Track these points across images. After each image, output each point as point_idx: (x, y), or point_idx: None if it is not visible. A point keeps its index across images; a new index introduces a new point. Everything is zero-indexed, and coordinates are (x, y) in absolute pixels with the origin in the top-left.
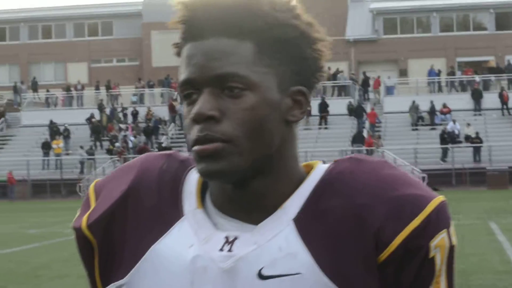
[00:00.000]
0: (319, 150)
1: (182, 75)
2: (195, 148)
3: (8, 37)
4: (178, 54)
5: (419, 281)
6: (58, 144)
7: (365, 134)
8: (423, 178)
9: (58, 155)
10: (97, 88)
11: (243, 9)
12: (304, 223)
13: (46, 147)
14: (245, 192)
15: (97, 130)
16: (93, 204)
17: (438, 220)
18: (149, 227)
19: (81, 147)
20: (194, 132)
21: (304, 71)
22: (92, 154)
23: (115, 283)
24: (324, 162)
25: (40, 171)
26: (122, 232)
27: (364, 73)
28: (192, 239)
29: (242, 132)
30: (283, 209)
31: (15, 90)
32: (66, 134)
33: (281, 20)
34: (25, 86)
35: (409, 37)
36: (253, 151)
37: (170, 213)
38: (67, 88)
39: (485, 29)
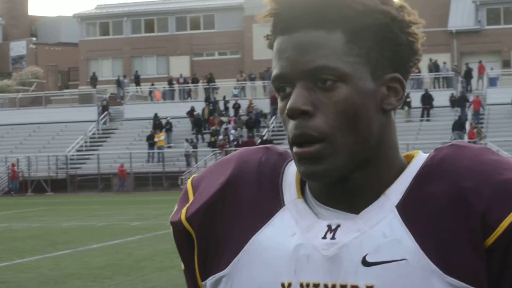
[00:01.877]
0: (420, 142)
1: (275, 70)
2: (295, 150)
3: (112, 31)
4: (271, 46)
5: None
6: (160, 137)
7: (467, 125)
8: None
9: (160, 148)
10: (196, 81)
11: None
12: (408, 210)
13: (150, 139)
14: (346, 184)
15: (199, 123)
16: (191, 198)
17: None
18: (249, 218)
19: (187, 140)
20: (291, 128)
21: (398, 57)
22: (195, 147)
23: (215, 274)
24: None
25: (143, 164)
26: (221, 224)
27: (466, 64)
28: (294, 228)
29: (337, 127)
30: (386, 196)
31: (118, 84)
32: (168, 127)
33: (370, 6)
34: (127, 80)
35: None
36: (351, 145)
37: (270, 204)
38: (170, 82)
39: None
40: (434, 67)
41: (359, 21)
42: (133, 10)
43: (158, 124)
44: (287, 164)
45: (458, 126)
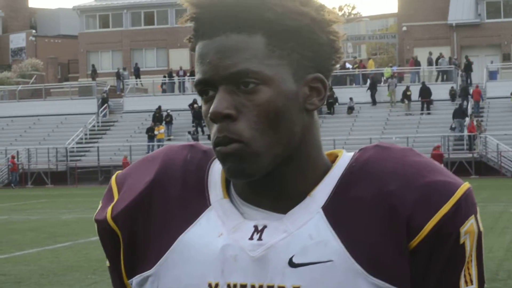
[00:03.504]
0: (420, 135)
1: (197, 75)
2: (217, 149)
3: (111, 24)
4: (193, 49)
5: (450, 267)
6: (160, 130)
7: (467, 119)
8: None
9: (160, 140)
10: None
11: (249, 2)
12: (333, 211)
13: (150, 131)
14: (269, 182)
15: (199, 115)
16: (116, 196)
17: (467, 206)
18: (175, 217)
19: (189, 133)
20: (214, 131)
21: (320, 57)
22: (197, 140)
23: (142, 274)
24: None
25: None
26: (147, 223)
27: (466, 57)
28: (221, 229)
29: (258, 130)
30: (311, 197)
31: (118, 76)
32: (169, 120)
33: (289, 8)
34: (127, 72)
35: None
36: (273, 146)
37: (197, 203)
38: (169, 74)
39: None
40: (431, 60)
41: (279, 24)
42: (133, 2)
43: (158, 117)
44: (212, 162)
45: (459, 114)
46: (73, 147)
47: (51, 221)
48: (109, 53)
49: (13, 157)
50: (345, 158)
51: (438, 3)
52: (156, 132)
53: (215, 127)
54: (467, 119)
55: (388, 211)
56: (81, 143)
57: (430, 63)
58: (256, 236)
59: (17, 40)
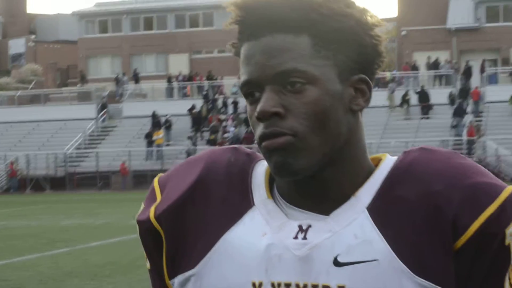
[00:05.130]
0: (419, 140)
1: (243, 76)
2: (264, 143)
3: (111, 29)
4: (237, 54)
5: (495, 268)
6: (158, 135)
7: (466, 124)
8: None
9: (159, 146)
10: (192, 79)
11: (295, 3)
12: (378, 211)
13: (149, 137)
14: (314, 183)
15: (198, 120)
16: (159, 197)
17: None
18: (218, 217)
19: (189, 138)
20: (260, 129)
21: (363, 59)
22: (195, 144)
23: (184, 273)
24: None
25: (141, 162)
26: (191, 223)
27: (467, 62)
28: (265, 228)
29: (308, 127)
30: (356, 197)
31: (117, 81)
32: (168, 125)
33: (335, 10)
34: (126, 78)
35: None
36: (322, 145)
37: (240, 203)
38: (169, 79)
39: None
40: (433, 65)
41: (324, 24)
42: (132, 7)
43: (157, 122)
44: (255, 164)
45: (459, 112)
46: (72, 153)
47: (50, 227)
48: (109, 58)
49: (12, 163)
50: (388, 161)
51: (437, 7)
52: (155, 137)
53: (261, 125)
54: (466, 118)
55: (433, 211)
56: (80, 148)
57: (429, 67)
58: (300, 235)
59: (16, 45)
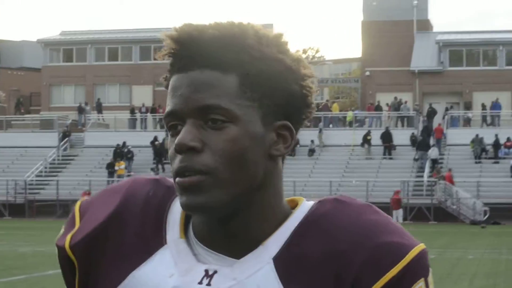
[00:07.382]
0: (381, 180)
1: (168, 107)
2: (177, 180)
3: (75, 58)
4: (167, 86)
5: None
6: (120, 165)
7: (427, 168)
8: (485, 212)
9: (120, 176)
10: (155, 110)
11: (228, 42)
12: (284, 264)
13: (110, 167)
14: (227, 226)
15: (161, 153)
16: (77, 224)
17: (417, 269)
18: (130, 253)
19: (152, 170)
20: (177, 162)
21: (291, 106)
22: None
23: None
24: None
25: None
26: (103, 256)
27: (430, 105)
28: (173, 269)
29: (223, 164)
30: (264, 246)
31: (80, 110)
32: (130, 156)
33: (266, 53)
34: (89, 107)
35: (475, 69)
36: (234, 184)
37: (153, 241)
38: (132, 110)
39: None
40: (396, 105)
41: (254, 66)
42: (98, 37)
43: (119, 153)
44: (174, 199)
45: (422, 146)
46: (32, 180)
47: (7, 253)
48: (72, 87)
49: None
50: (303, 209)
51: (402, 49)
52: (116, 168)
53: (177, 158)
54: (431, 151)
55: (337, 270)
56: (40, 176)
57: (395, 108)
58: (205, 281)
59: None
